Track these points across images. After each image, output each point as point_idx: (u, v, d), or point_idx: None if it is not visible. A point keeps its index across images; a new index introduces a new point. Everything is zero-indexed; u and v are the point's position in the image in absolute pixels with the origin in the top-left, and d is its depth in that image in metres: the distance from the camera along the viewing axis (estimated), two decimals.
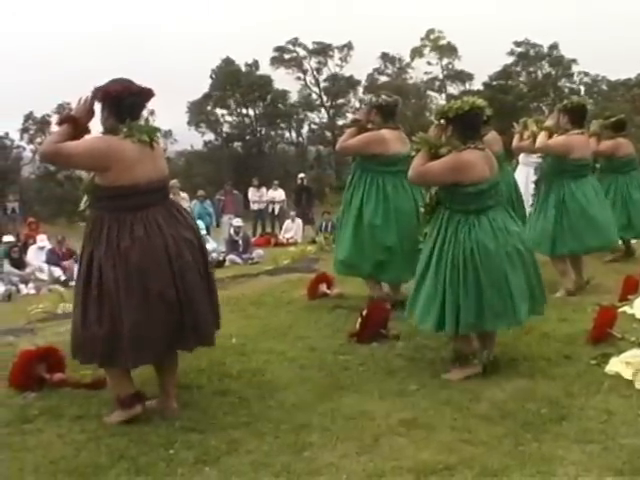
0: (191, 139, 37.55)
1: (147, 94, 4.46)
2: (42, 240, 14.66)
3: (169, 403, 4.64)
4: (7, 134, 34.37)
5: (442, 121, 5.18)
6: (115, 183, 4.24)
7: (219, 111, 38.30)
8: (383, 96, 7.12)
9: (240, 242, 15.68)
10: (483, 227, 4.98)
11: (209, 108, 37.81)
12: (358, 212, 7.05)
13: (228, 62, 37.58)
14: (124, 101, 4.32)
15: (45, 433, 4.40)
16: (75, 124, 4.37)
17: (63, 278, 12.99)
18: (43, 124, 35.15)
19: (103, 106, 4.39)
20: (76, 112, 4.42)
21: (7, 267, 12.68)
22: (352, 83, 39.30)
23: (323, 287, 8.14)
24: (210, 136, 38.00)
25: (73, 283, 11.85)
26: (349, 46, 38.74)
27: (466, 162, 4.97)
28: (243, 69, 37.67)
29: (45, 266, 13.43)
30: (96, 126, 4.46)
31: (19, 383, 5.21)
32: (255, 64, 37.81)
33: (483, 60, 39.08)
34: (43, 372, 5.23)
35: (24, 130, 35.05)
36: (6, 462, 3.99)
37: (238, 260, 15.05)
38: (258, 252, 15.69)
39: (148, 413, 4.55)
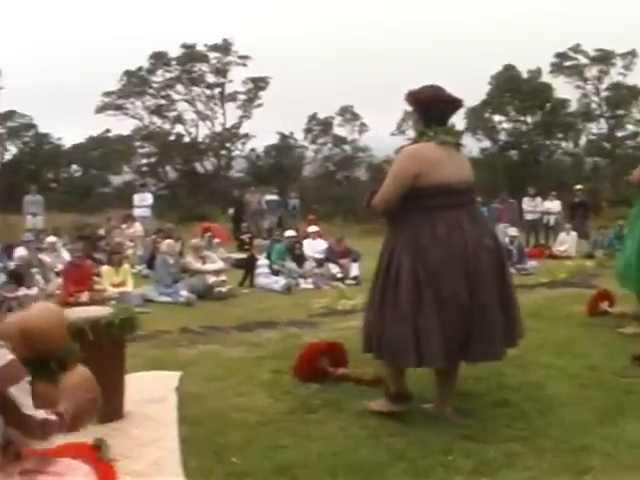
0: (468, 145, 37.35)
1: (456, 103, 4.57)
2: (313, 228, 15.59)
3: (443, 408, 4.65)
4: (292, 134, 36.31)
5: None
6: (420, 183, 4.34)
7: (497, 118, 37.79)
8: None
9: (514, 252, 15.37)
10: None
11: (487, 115, 37.43)
12: None
13: (509, 68, 36.93)
14: (433, 107, 4.45)
15: (327, 425, 4.60)
16: None
17: (339, 275, 13.43)
18: (326, 125, 36.74)
19: (414, 110, 4.54)
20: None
21: (289, 261, 13.36)
22: (635, 93, 36.88)
23: (604, 304, 7.86)
24: (486, 143, 37.62)
25: (349, 281, 12.39)
26: (633, 54, 36.42)
27: None
28: (525, 76, 36.83)
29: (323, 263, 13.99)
30: None
31: (304, 374, 5.49)
32: (538, 71, 36.80)
33: None
34: (327, 365, 5.46)
35: (308, 130, 36.80)
36: (292, 448, 4.20)
37: (512, 270, 14.70)
38: (532, 263, 15.29)
39: (427, 417, 4.60)
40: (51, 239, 14.60)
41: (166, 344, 7.16)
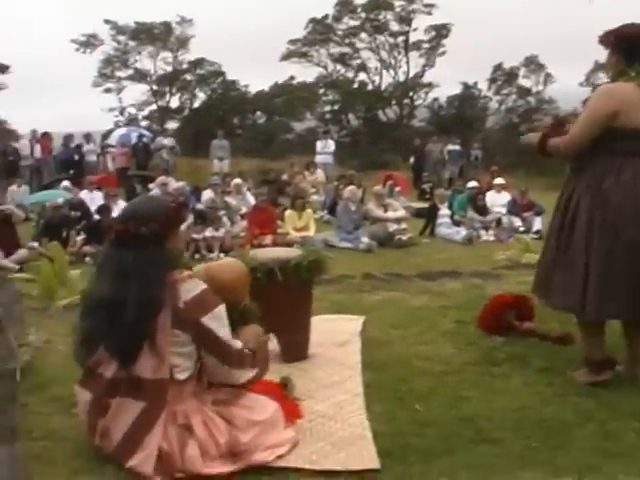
0: None
1: None
2: (499, 181, 15.23)
3: (634, 370, 4.41)
4: (476, 84, 35.39)
5: None
6: (615, 124, 4.07)
7: None
8: None
9: None
10: None
11: None
12: None
13: None
14: (637, 44, 4.14)
15: (512, 379, 4.49)
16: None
17: (522, 229, 13.07)
18: (511, 76, 35.53)
19: (613, 50, 4.25)
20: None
21: (470, 212, 13.15)
22: None
23: None
24: None
25: (531, 235, 12.02)
26: None
27: None
28: None
29: (505, 215, 13.69)
30: None
31: (488, 325, 5.39)
32: None
33: None
34: (512, 319, 5.32)
35: (492, 81, 35.74)
36: (475, 400, 4.13)
37: None
38: None
39: (617, 379, 4.36)
40: (237, 181, 15.10)
41: (349, 289, 7.25)
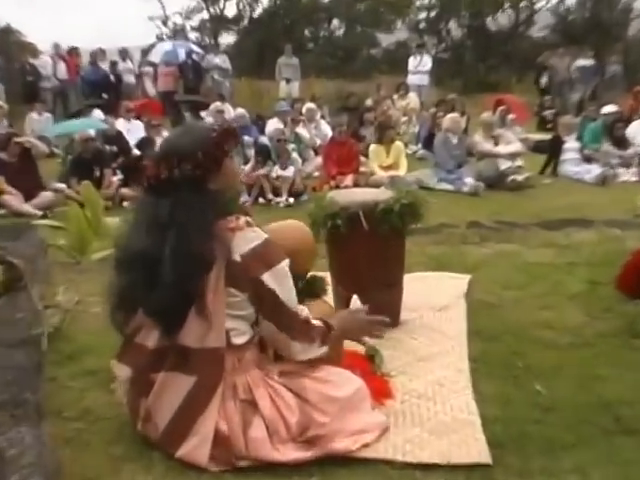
0: None
1: None
2: None
3: None
4: None
5: None
6: None
7: None
8: None
9: None
10: None
11: None
12: None
13: None
14: None
15: None
16: None
17: None
18: None
19: None
20: None
21: (606, 145, 12.90)
22: None
23: None
24: None
25: None
26: None
27: None
28: None
29: None
30: None
31: (631, 287, 5.28)
32: None
33: None
34: None
35: None
36: (613, 380, 4.07)
37: None
38: None
39: None
40: (310, 105, 15.11)
41: (451, 241, 7.25)
